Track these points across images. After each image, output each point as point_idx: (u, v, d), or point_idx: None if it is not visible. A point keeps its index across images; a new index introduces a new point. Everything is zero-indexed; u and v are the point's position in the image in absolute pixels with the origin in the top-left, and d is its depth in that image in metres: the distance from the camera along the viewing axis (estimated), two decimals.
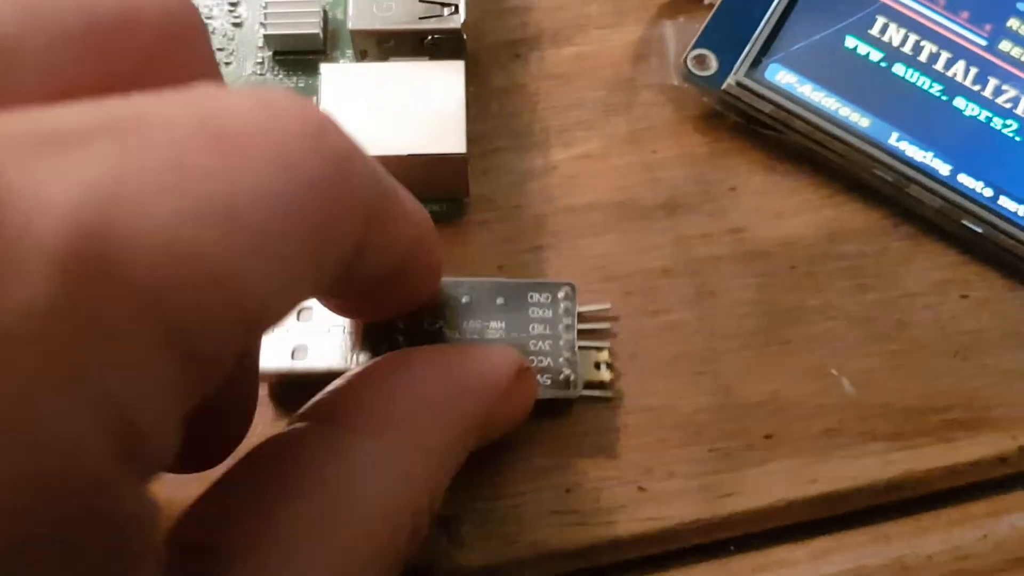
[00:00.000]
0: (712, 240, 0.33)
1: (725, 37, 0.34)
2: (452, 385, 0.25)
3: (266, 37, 0.35)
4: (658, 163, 0.34)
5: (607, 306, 0.32)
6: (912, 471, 0.30)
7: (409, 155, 0.31)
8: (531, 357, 0.29)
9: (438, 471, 0.23)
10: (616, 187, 0.34)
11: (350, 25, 0.32)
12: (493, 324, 0.30)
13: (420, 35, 0.32)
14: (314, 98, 0.34)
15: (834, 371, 0.31)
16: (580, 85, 0.35)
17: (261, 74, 0.35)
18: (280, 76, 0.35)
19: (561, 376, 0.29)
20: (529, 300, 0.30)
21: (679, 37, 0.35)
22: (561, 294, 0.30)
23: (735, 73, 0.33)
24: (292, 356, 0.29)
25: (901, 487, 0.30)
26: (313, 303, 0.29)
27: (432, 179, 0.32)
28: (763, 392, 0.31)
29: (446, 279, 0.30)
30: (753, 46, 0.34)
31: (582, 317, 0.30)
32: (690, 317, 0.32)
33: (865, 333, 0.32)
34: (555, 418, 0.30)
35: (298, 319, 0.30)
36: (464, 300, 0.30)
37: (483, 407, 0.25)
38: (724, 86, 0.33)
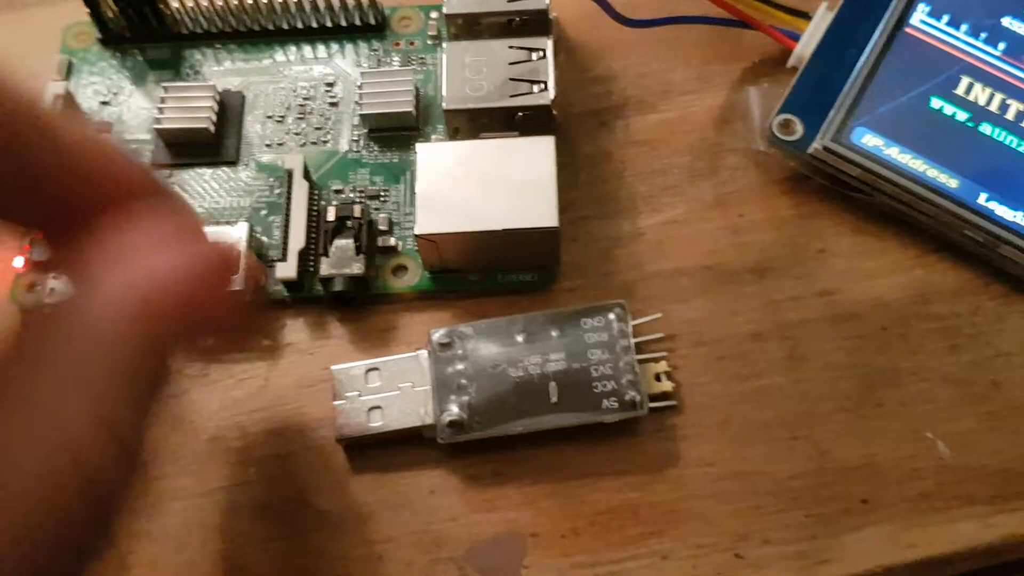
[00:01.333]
0: (802, 303, 0.33)
1: (810, 101, 0.35)
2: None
3: (362, 116, 0.36)
4: (745, 227, 0.35)
5: (658, 315, 0.33)
6: (1012, 534, 0.30)
7: (503, 230, 0.32)
8: (595, 383, 0.31)
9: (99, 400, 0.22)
10: (704, 252, 0.34)
11: (444, 105, 0.34)
12: (553, 356, 0.31)
13: (511, 112, 0.34)
14: (409, 171, 0.36)
15: (929, 434, 0.31)
16: (665, 151, 0.36)
17: (357, 151, 0.36)
18: (375, 152, 0.36)
19: (627, 398, 0.31)
20: (583, 326, 0.32)
21: (763, 102, 0.36)
22: (612, 315, 0.32)
23: (821, 137, 0.34)
24: (368, 418, 0.31)
25: (1001, 551, 0.30)
26: (381, 365, 0.32)
27: (525, 251, 0.33)
28: (858, 456, 0.31)
29: (499, 319, 0.32)
30: (839, 110, 0.34)
31: (636, 332, 0.32)
32: (782, 381, 0.32)
33: (960, 394, 0.32)
34: (650, 484, 0.31)
35: (367, 382, 0.32)
36: (519, 339, 0.31)
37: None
38: (811, 150, 0.34)
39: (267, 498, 0.32)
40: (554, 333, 0.32)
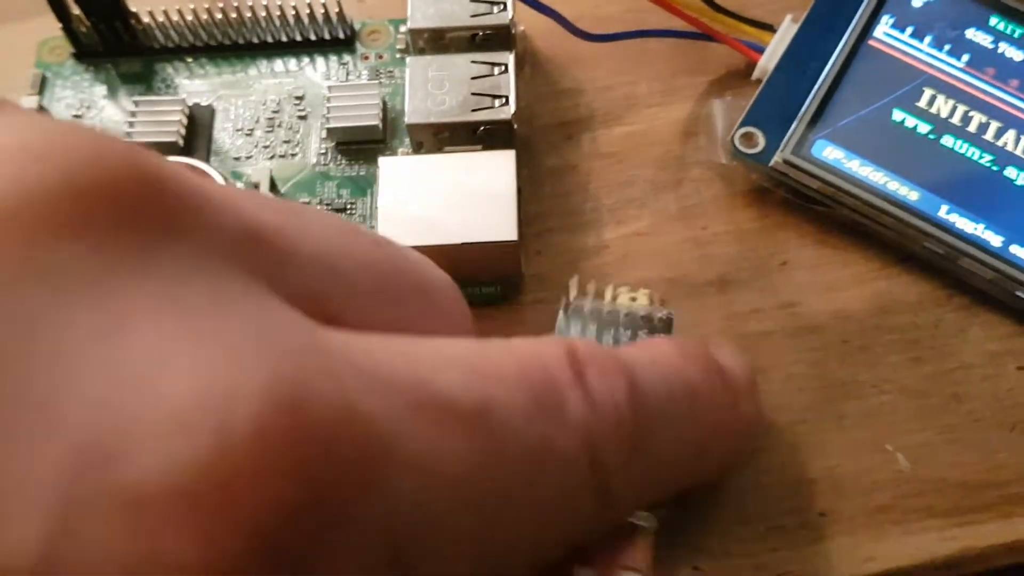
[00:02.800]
0: (764, 315, 0.33)
1: (772, 114, 0.35)
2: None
3: (328, 129, 0.36)
4: (708, 239, 0.35)
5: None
6: (970, 548, 0.30)
7: (463, 243, 0.32)
8: None
9: None
10: (667, 264, 0.35)
11: (407, 120, 0.34)
12: None
13: (473, 127, 0.34)
14: (375, 186, 0.36)
15: (889, 446, 0.31)
16: (631, 164, 0.36)
17: (325, 164, 0.37)
18: (343, 165, 0.37)
19: None
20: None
21: (727, 114, 0.36)
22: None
23: (782, 151, 0.34)
24: None
25: (959, 564, 0.30)
26: None
27: (486, 264, 0.33)
28: (817, 468, 0.31)
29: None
30: (800, 123, 0.34)
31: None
32: None
33: (920, 406, 0.32)
34: None
35: None
36: None
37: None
38: (772, 163, 0.34)
39: None
40: None
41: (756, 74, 0.37)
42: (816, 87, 0.35)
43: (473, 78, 0.34)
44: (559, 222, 0.36)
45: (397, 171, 0.33)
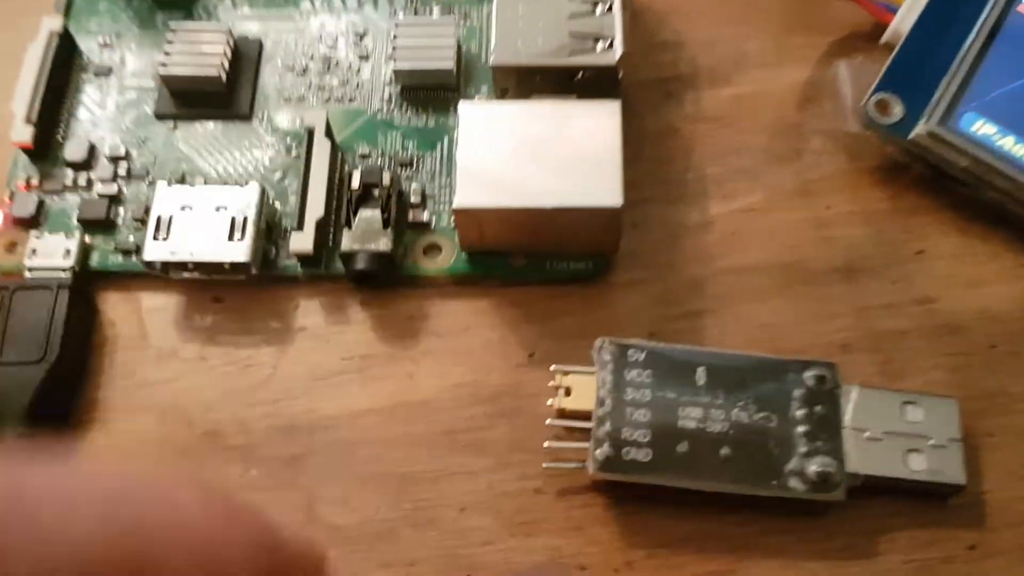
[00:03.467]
0: (898, 311, 0.29)
1: (909, 81, 0.30)
2: None
3: (395, 72, 0.32)
4: (832, 220, 0.30)
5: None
6: None
7: (556, 208, 0.27)
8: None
9: None
10: (784, 246, 0.30)
11: (492, 61, 0.29)
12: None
13: (570, 71, 0.29)
14: (447, 137, 0.31)
15: None
16: (740, 129, 0.32)
17: (388, 111, 0.32)
18: (408, 114, 0.32)
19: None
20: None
21: (856, 79, 0.31)
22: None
23: (926, 122, 0.29)
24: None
25: None
26: None
27: (581, 234, 0.28)
28: (963, 494, 0.26)
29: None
30: (945, 92, 0.29)
31: None
32: None
33: None
34: (727, 514, 0.26)
35: None
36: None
37: None
38: (913, 136, 0.29)
39: (270, 507, 0.27)
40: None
41: (886, 37, 0.32)
42: (961, 54, 0.30)
43: (571, 16, 0.29)
44: (658, 192, 0.31)
45: (481, 119, 0.28)
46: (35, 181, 0.31)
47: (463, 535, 0.27)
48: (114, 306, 0.30)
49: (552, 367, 0.27)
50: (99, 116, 0.32)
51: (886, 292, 0.29)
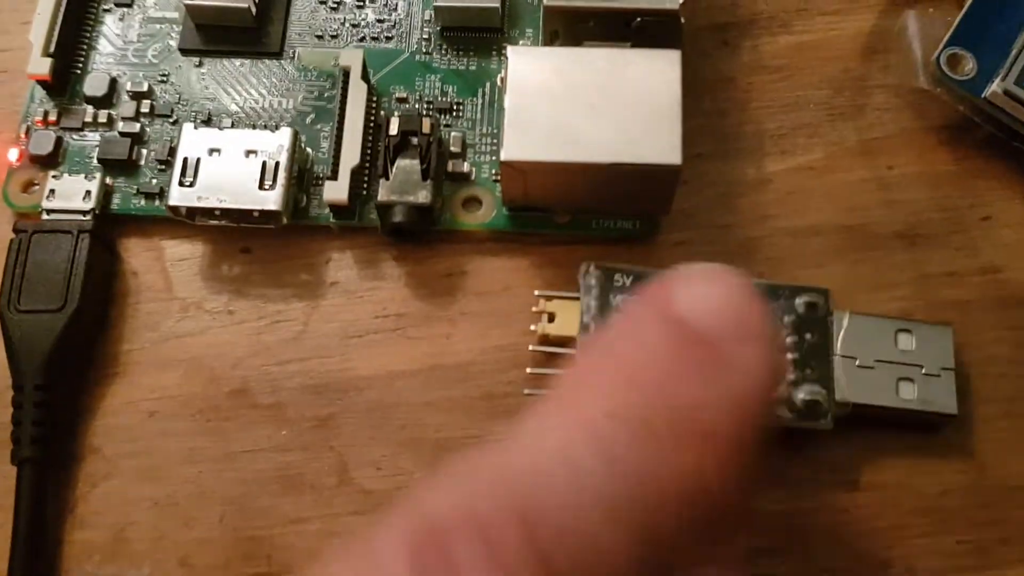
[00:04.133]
0: (961, 280, 0.27)
1: (984, 34, 0.28)
2: None
3: (435, 9, 0.30)
4: (895, 181, 0.29)
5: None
6: None
7: (611, 164, 0.25)
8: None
9: None
10: (844, 208, 0.28)
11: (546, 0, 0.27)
12: None
13: (627, 16, 0.27)
14: (489, 83, 0.29)
15: None
16: (800, 82, 0.30)
17: (426, 52, 0.30)
18: (449, 56, 0.30)
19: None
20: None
21: (926, 31, 0.29)
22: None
23: (1002, 79, 0.27)
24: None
25: None
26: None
27: (633, 192, 0.27)
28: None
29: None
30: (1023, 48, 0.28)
31: None
32: None
33: None
34: (769, 489, 0.25)
35: None
36: None
37: None
38: (987, 94, 0.28)
39: (301, 468, 0.26)
40: None
41: None
42: None
43: None
44: (712, 147, 0.29)
45: (530, 65, 0.27)
46: (53, 117, 0.30)
47: None
48: (136, 254, 0.29)
49: (535, 292, 0.26)
50: (120, 49, 0.30)
51: (949, 260, 0.28)
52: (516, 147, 0.26)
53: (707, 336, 0.17)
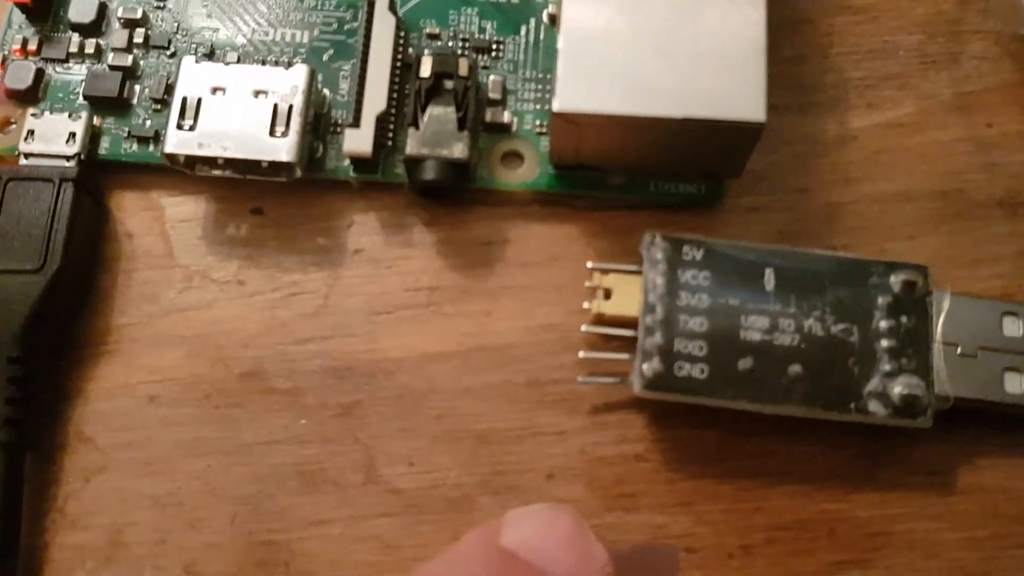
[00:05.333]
0: None
1: None
2: None
3: None
4: (995, 141, 0.25)
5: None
6: None
7: (684, 118, 0.22)
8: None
9: None
10: (938, 171, 0.25)
11: None
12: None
13: None
14: (534, 19, 0.25)
15: None
16: (888, 25, 0.27)
17: None
18: None
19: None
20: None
21: None
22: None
23: None
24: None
25: None
26: None
27: (703, 152, 0.23)
28: None
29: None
30: None
31: None
32: None
33: None
34: (854, 494, 0.22)
35: None
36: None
37: None
38: None
39: (322, 463, 0.23)
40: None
41: None
42: None
43: None
44: (788, 99, 0.26)
45: (586, 2, 0.23)
46: (33, 46, 0.26)
47: None
48: (131, 212, 0.25)
49: (588, 264, 0.23)
50: None
51: None
52: (571, 96, 0.22)
53: (540, 570, 0.17)
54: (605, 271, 0.23)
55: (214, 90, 0.24)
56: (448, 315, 0.24)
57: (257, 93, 0.24)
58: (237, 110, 0.24)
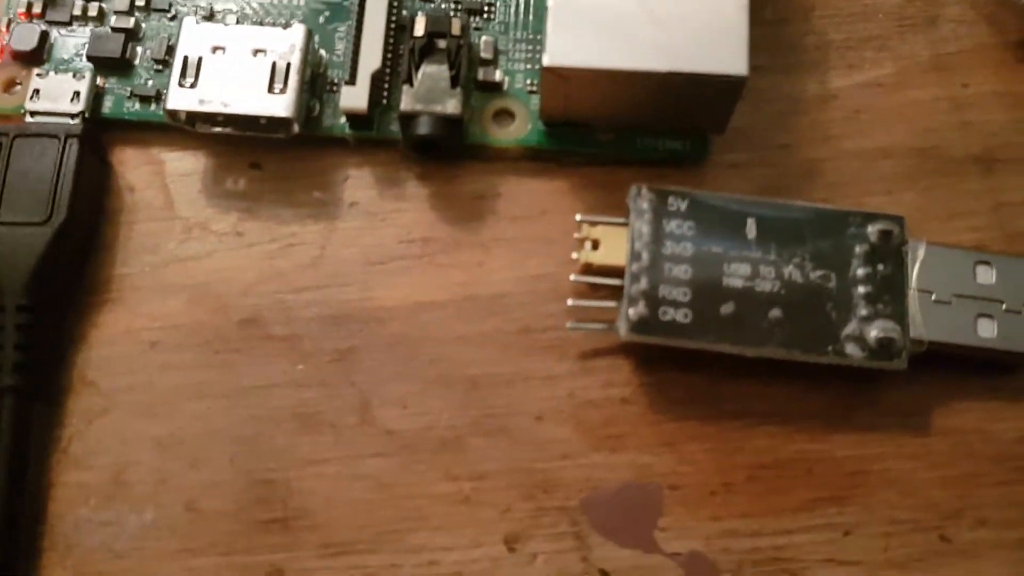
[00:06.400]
0: None
1: None
2: None
3: None
4: (970, 101, 0.26)
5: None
6: None
7: (669, 72, 0.23)
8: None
9: None
10: (915, 129, 0.26)
11: None
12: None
13: None
14: None
15: None
16: None
17: None
18: None
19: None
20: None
21: None
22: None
23: None
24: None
25: None
26: None
27: (687, 107, 0.24)
28: None
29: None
30: None
31: None
32: None
33: None
34: (832, 434, 0.23)
35: None
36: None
37: None
38: None
39: (319, 406, 0.24)
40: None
41: None
42: None
43: None
44: (771, 59, 0.26)
45: None
46: (37, 9, 0.27)
47: (539, 447, 0.23)
48: (132, 167, 0.26)
49: (577, 216, 0.24)
50: None
51: None
52: (561, 51, 0.23)
53: None
54: (593, 223, 0.24)
55: (214, 49, 0.25)
56: (441, 265, 0.25)
57: (256, 52, 0.25)
58: (236, 68, 0.25)
